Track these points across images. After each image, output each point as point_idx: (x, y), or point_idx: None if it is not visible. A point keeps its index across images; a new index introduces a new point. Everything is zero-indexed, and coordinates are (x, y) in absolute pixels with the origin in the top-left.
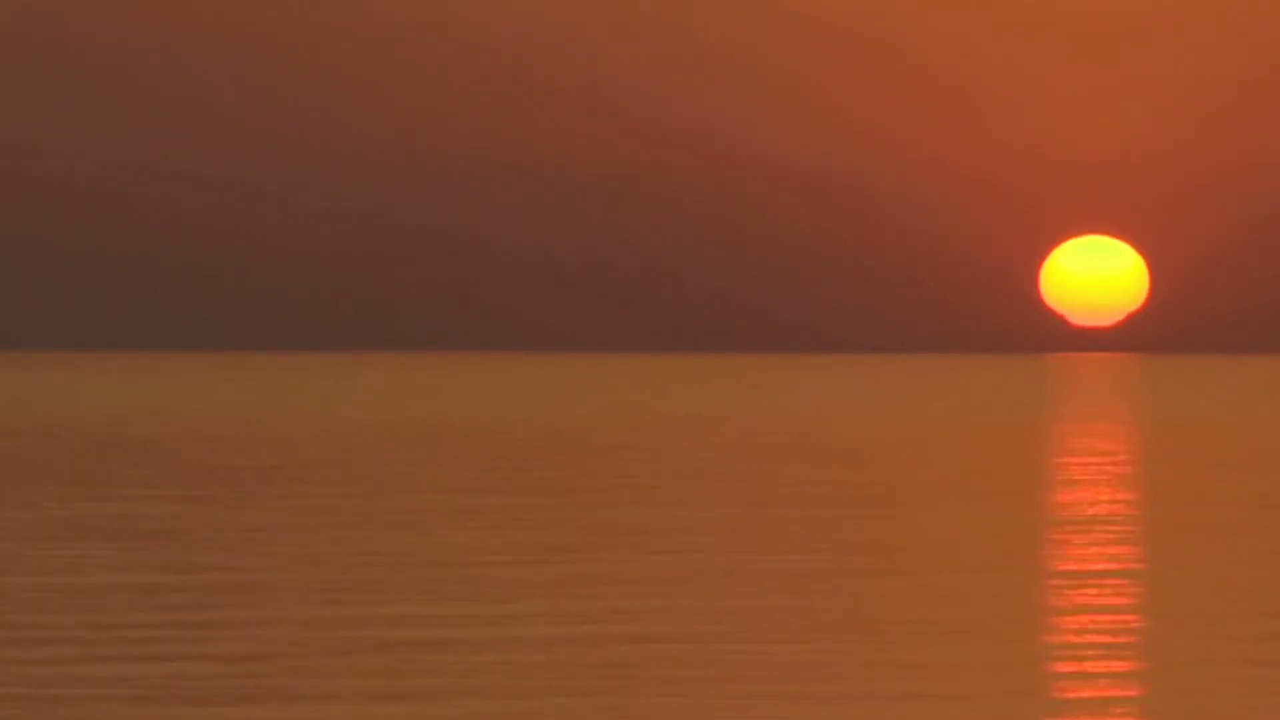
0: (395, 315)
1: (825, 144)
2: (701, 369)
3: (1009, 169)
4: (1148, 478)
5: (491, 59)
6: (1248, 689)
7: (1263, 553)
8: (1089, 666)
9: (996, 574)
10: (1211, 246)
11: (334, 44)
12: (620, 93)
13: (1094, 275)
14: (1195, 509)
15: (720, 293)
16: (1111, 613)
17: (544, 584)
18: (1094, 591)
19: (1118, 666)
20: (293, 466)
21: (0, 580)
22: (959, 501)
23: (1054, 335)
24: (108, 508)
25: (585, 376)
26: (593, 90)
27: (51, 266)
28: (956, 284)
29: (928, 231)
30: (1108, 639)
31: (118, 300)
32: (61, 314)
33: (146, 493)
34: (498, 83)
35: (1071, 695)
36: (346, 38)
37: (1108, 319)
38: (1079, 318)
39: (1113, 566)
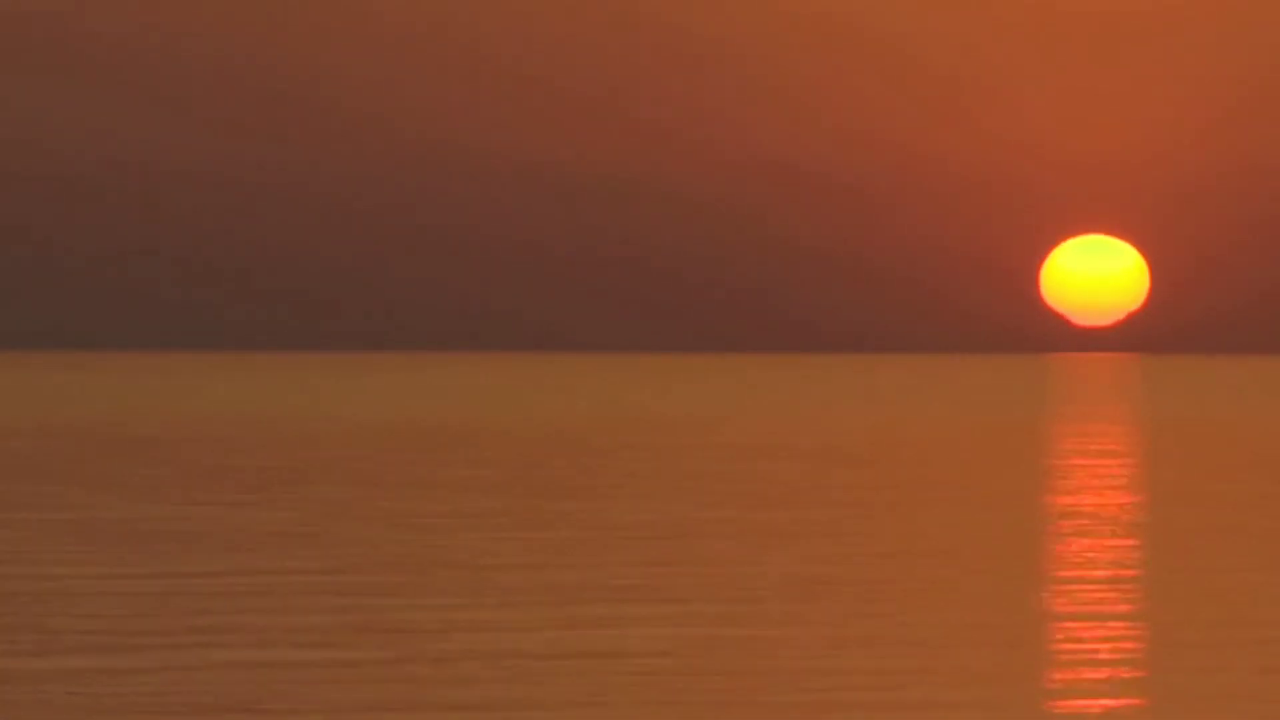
0: (396, 315)
1: (825, 144)
2: (701, 369)
3: (1009, 169)
4: (1148, 478)
5: (493, 60)
6: (1249, 691)
7: (1264, 554)
8: (1090, 665)
9: (997, 575)
10: (1212, 246)
11: (335, 45)
12: (619, 94)
13: (1094, 275)
14: (1196, 510)
15: (720, 293)
16: (1112, 617)
17: (548, 586)
18: (1094, 593)
19: (1118, 665)
20: (294, 467)
21: (2, 581)
22: (960, 502)
23: (1054, 335)
24: (113, 508)
25: (585, 376)
26: (592, 91)
27: (52, 267)
28: (956, 284)
29: (928, 231)
30: (1108, 640)
31: (118, 300)
32: (61, 314)
33: (150, 493)
34: (500, 83)
35: (1073, 699)
36: (346, 39)
37: (1108, 318)
38: (1079, 317)
39: (1113, 567)
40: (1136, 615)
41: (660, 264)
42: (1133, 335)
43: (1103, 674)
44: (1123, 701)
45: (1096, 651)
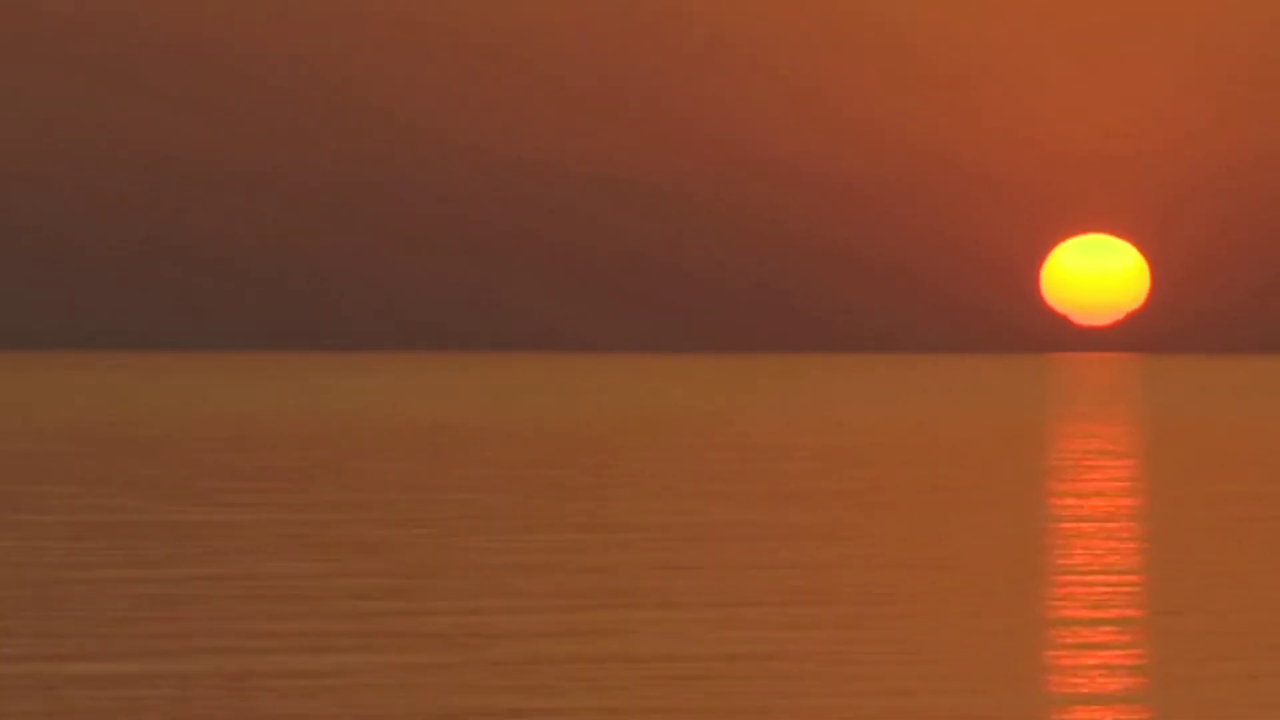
0: (398, 315)
1: (826, 142)
2: (701, 369)
3: (1009, 167)
4: (1148, 479)
5: (498, 58)
6: (1250, 692)
7: (1265, 554)
8: (1089, 666)
9: (997, 576)
10: (1213, 246)
11: (337, 42)
12: (621, 92)
13: (1095, 274)
14: (1196, 510)
15: (720, 292)
16: (1113, 622)
17: (552, 589)
18: (1095, 593)
19: (1118, 666)
20: (297, 467)
21: (6, 585)
22: (961, 502)
23: (1054, 335)
24: (118, 508)
25: (586, 376)
26: (595, 89)
27: (52, 266)
28: (955, 283)
29: (927, 230)
30: (1109, 641)
31: (117, 300)
32: (62, 314)
33: (155, 494)
34: (509, 81)
35: (1075, 692)
36: (349, 35)
37: (1108, 318)
38: (1079, 316)
39: (1114, 568)
40: (1137, 615)
41: (660, 263)
42: (1133, 335)
43: (1104, 674)
44: (1123, 701)
45: (1096, 649)
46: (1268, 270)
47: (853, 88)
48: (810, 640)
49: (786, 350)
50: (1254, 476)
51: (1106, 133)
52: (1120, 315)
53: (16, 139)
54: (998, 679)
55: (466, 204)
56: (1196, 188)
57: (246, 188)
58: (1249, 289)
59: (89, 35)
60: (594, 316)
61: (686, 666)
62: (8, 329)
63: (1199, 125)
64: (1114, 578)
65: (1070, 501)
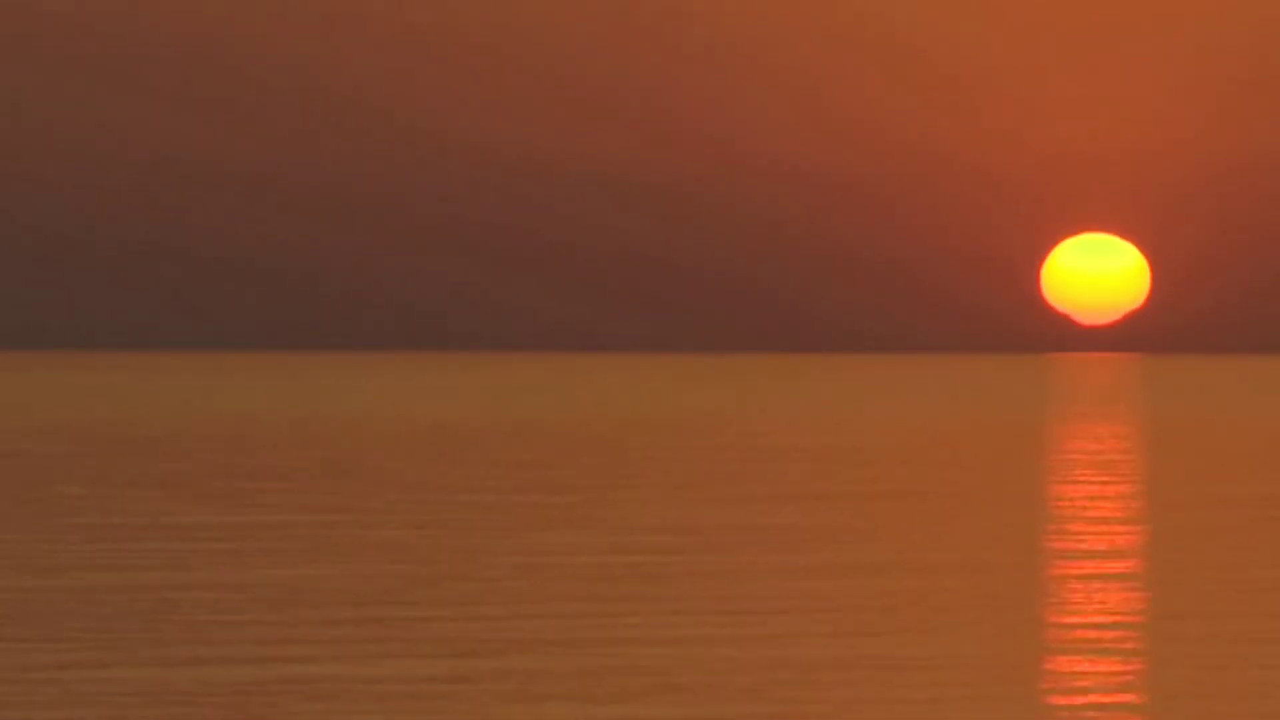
0: (398, 315)
1: (826, 142)
2: (701, 369)
3: (1009, 167)
4: (1149, 479)
5: (498, 58)
6: (1251, 692)
7: (1264, 555)
8: (1090, 672)
9: (997, 578)
10: (1213, 245)
11: (337, 42)
12: (621, 92)
13: (1095, 273)
14: (1197, 511)
15: (720, 292)
16: (1114, 626)
17: (554, 591)
18: (1095, 597)
19: (1119, 671)
20: (300, 467)
21: (7, 583)
22: (961, 503)
23: (1054, 334)
24: (118, 508)
25: (587, 377)
26: (593, 90)
27: (52, 266)
28: (956, 283)
29: (927, 230)
30: (1109, 640)
31: (117, 300)
32: (62, 314)
33: (154, 494)
34: (512, 81)
35: (1076, 699)
36: (349, 35)
37: (1108, 317)
38: (1079, 316)
39: (1114, 571)
40: (1138, 620)
41: (660, 263)
42: (1133, 334)
43: (1104, 680)
44: (1124, 696)
45: (1096, 649)
46: (1268, 270)
47: (853, 88)
48: (812, 645)
49: (786, 350)
50: (1254, 477)
51: (1106, 133)
52: (1120, 315)
53: (16, 139)
54: (998, 684)
55: (466, 204)
56: (1196, 188)
57: (246, 188)
58: (1249, 289)
59: (89, 35)
60: (594, 316)
61: (687, 669)
62: (8, 329)
63: (1199, 125)
64: (1114, 581)
65: (1070, 502)
